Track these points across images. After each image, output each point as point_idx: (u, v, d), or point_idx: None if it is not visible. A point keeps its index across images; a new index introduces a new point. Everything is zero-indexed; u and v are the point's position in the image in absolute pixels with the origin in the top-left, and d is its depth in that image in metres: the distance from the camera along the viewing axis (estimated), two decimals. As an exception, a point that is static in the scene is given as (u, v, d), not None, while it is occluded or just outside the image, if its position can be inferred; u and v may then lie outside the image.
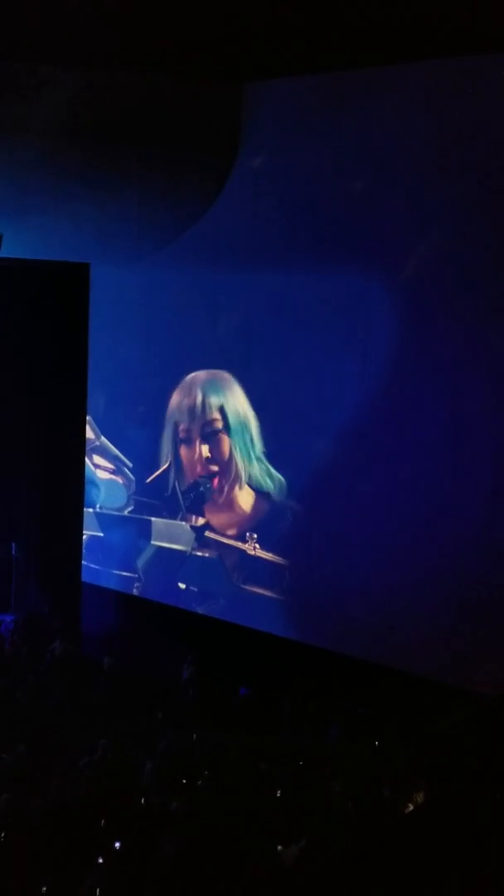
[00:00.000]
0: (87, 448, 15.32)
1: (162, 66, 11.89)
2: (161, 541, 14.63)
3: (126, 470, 14.97)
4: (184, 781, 9.77)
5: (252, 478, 13.48)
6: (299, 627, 13.15)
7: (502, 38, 10.35)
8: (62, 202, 12.77)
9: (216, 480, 13.90)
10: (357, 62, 11.50)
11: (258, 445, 13.32)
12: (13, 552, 15.53)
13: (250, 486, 13.52)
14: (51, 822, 8.59)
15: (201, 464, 13.98)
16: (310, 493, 12.98)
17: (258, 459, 13.37)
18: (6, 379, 15.46)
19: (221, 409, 13.68)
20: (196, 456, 14.01)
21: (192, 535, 14.26)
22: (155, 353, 14.46)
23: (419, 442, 11.86)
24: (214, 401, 13.75)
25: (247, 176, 12.89)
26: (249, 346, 13.47)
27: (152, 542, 14.71)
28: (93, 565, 15.38)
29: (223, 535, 13.93)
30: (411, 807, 7.97)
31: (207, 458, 13.92)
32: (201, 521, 14.15)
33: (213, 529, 14.03)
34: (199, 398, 13.87)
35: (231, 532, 13.84)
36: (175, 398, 14.13)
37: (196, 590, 14.29)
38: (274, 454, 13.26)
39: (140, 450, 14.80)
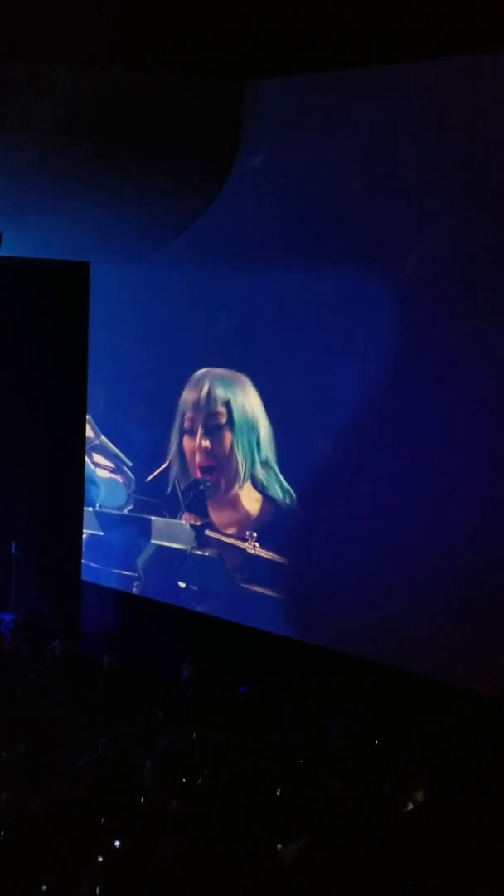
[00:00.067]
0: (87, 447, 15.32)
1: (162, 65, 11.89)
2: (161, 539, 14.63)
3: (126, 469, 14.97)
4: (183, 780, 9.80)
5: (252, 477, 13.49)
6: (299, 626, 13.15)
7: (502, 38, 10.35)
8: (62, 201, 12.76)
9: (216, 478, 13.90)
10: (357, 61, 11.51)
11: (263, 445, 13.30)
12: (13, 551, 15.53)
13: (250, 485, 13.53)
14: (51, 821, 8.61)
15: (201, 454, 13.95)
16: (310, 492, 12.98)
17: (260, 459, 13.36)
18: (6, 378, 15.45)
19: (227, 405, 13.65)
20: (196, 445, 13.99)
21: (191, 534, 14.27)
22: (155, 352, 14.46)
23: (419, 442, 11.87)
24: (221, 395, 13.71)
25: (247, 175, 12.88)
26: (249, 346, 13.47)
27: (152, 541, 14.71)
28: (93, 564, 15.38)
29: (223, 533, 13.93)
30: (411, 805, 7.98)
31: (207, 448, 13.89)
32: (201, 520, 14.16)
33: (212, 528, 14.04)
34: (206, 391, 13.85)
35: (231, 531, 13.84)
36: (185, 393, 14.08)
37: (196, 589, 14.29)
38: (274, 454, 13.26)
39: (140, 449, 14.80)
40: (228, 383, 13.65)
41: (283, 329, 13.05)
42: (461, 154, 11.25)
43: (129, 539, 14.98)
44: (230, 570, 13.83)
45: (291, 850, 7.54)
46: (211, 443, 13.89)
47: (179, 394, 14.10)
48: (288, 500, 13.15)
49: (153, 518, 14.67)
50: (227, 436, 13.72)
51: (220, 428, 13.80)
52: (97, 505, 15.31)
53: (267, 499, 13.38)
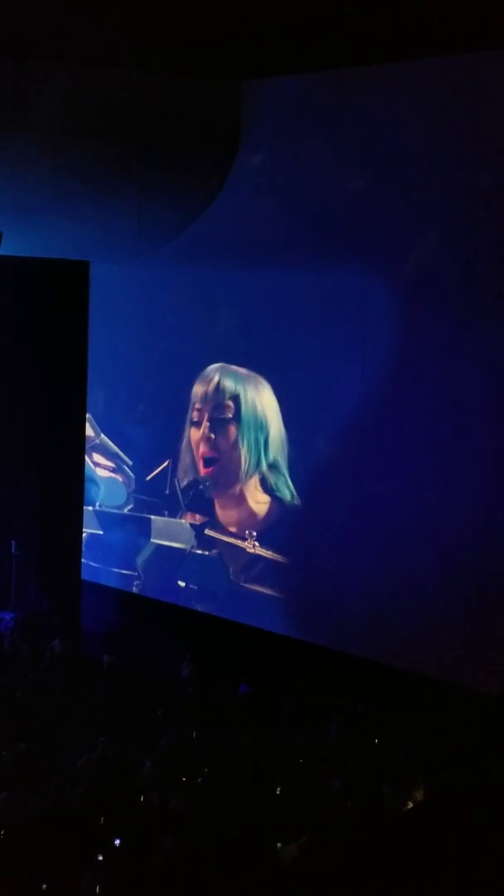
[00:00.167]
0: (87, 446, 15.32)
1: (162, 65, 11.90)
2: (161, 539, 14.64)
3: (126, 468, 14.98)
4: (183, 779, 9.80)
5: (255, 476, 13.49)
6: (299, 625, 13.15)
7: (502, 38, 10.35)
8: (62, 200, 12.77)
9: (218, 472, 13.88)
10: (357, 61, 11.51)
11: (272, 446, 13.28)
12: (13, 550, 15.53)
13: (253, 483, 13.53)
14: (51, 820, 8.62)
15: (206, 445, 13.91)
16: (309, 491, 12.99)
17: (267, 460, 13.35)
18: (6, 377, 15.46)
19: (236, 399, 13.62)
20: (201, 435, 13.96)
21: (191, 533, 14.27)
22: (155, 351, 14.46)
23: (419, 441, 11.87)
24: (230, 389, 13.67)
25: (247, 174, 12.89)
26: (249, 345, 13.47)
27: (152, 540, 14.72)
28: (92, 563, 15.38)
29: (223, 532, 13.94)
30: (411, 804, 7.99)
31: (211, 439, 13.86)
32: (201, 518, 14.16)
33: (212, 527, 14.04)
34: (216, 384, 13.79)
35: (231, 530, 13.85)
36: (196, 386, 14.04)
37: (196, 588, 14.29)
38: (284, 455, 13.25)
39: (140, 448, 14.80)
40: (241, 379, 13.60)
41: (283, 328, 13.05)
42: (461, 154, 11.25)
43: (128, 538, 14.98)
44: (230, 570, 13.83)
45: (291, 850, 7.55)
46: (216, 435, 13.87)
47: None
48: (289, 500, 13.16)
49: (153, 517, 14.68)
50: (233, 430, 13.70)
51: (226, 422, 13.78)
52: (97, 504, 15.32)
53: (267, 498, 13.37)
